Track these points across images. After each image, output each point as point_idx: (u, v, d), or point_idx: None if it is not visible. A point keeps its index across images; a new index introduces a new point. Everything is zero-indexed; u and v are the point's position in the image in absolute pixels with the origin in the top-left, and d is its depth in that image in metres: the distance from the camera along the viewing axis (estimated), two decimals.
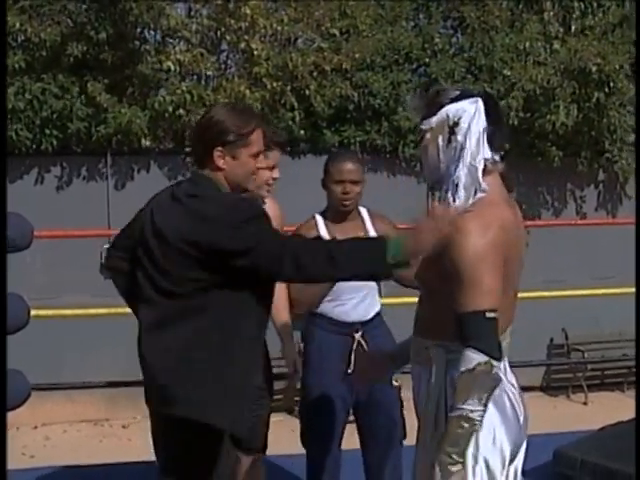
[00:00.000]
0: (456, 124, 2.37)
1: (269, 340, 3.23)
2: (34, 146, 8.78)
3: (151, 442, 2.79)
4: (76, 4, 8.84)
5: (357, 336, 3.68)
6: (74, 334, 8.19)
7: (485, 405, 2.26)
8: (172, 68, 8.73)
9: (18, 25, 8.35)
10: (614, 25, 10.05)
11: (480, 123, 2.37)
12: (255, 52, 8.82)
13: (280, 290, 3.34)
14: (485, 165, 2.37)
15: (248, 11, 8.69)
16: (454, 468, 2.27)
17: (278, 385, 4.24)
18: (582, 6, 10.19)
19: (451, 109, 2.38)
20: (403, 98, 9.57)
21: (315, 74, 9.11)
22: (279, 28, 8.99)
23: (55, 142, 8.81)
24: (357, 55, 9.21)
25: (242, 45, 8.92)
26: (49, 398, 7.89)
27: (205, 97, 8.74)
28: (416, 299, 2.57)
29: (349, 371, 3.66)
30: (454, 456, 2.26)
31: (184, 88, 8.70)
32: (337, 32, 9.38)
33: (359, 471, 3.85)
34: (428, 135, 2.42)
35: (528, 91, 9.49)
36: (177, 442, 2.65)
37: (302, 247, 2.50)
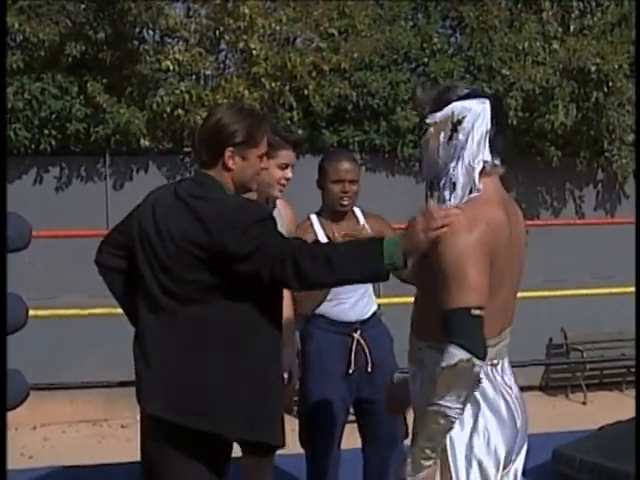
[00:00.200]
0: (459, 122, 2.36)
1: None
2: (33, 146, 8.79)
3: None
4: (75, 4, 8.85)
5: (356, 335, 3.68)
6: (73, 334, 8.19)
7: (463, 403, 2.22)
8: (171, 68, 8.73)
9: (17, 25, 8.36)
10: (613, 25, 10.05)
11: (484, 125, 2.35)
12: (254, 52, 8.82)
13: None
14: (484, 167, 2.37)
15: (247, 11, 8.69)
16: (426, 463, 2.24)
17: None
18: (581, 6, 10.21)
19: (457, 107, 2.37)
20: (402, 98, 9.57)
21: (314, 74, 9.11)
22: (278, 28, 8.99)
23: (54, 142, 8.81)
24: (356, 55, 9.21)
25: (241, 45, 8.92)
26: (48, 398, 7.89)
27: (204, 97, 8.74)
28: None
29: (350, 371, 3.66)
30: (427, 451, 2.24)
31: (183, 88, 8.71)
32: (336, 32, 9.38)
33: (359, 471, 3.85)
34: (431, 129, 2.41)
35: (527, 91, 9.49)
36: (176, 447, 2.63)
37: (303, 252, 2.48)
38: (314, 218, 3.70)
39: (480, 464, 2.32)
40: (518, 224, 2.45)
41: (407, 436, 3.71)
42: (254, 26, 8.81)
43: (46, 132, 8.75)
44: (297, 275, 2.44)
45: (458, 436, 2.32)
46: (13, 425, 7.66)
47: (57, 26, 8.60)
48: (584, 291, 7.75)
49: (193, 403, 2.57)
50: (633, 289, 5.80)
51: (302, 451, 3.80)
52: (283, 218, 3.51)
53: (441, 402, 2.21)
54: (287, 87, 9.02)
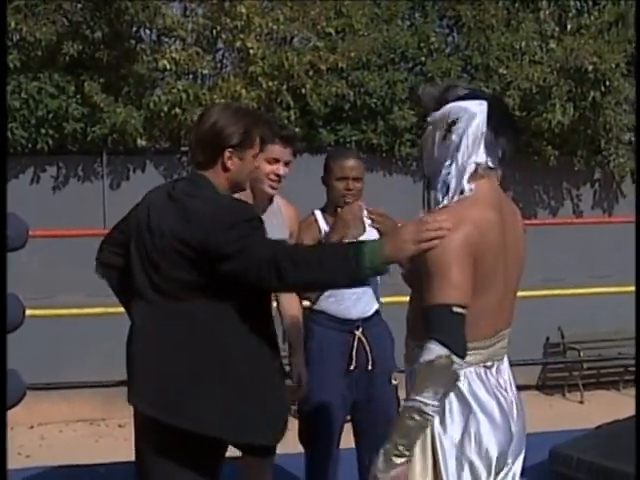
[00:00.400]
0: (454, 123, 2.35)
1: None
2: (30, 145, 8.79)
3: None
4: (71, 3, 8.84)
5: (357, 333, 3.68)
6: (70, 333, 8.17)
7: (440, 400, 2.21)
8: (168, 67, 8.73)
9: (13, 24, 8.36)
10: (610, 24, 10.06)
11: (480, 126, 2.34)
12: (251, 51, 8.82)
13: None
14: (477, 169, 2.36)
15: (244, 10, 8.69)
16: (398, 460, 2.23)
17: None
18: (578, 5, 10.23)
19: (454, 107, 2.36)
20: (399, 97, 9.58)
21: (311, 73, 9.11)
22: (275, 27, 8.99)
23: (51, 141, 8.81)
24: (353, 54, 9.21)
25: (238, 44, 8.92)
26: (45, 398, 7.88)
27: (201, 96, 8.74)
28: None
29: (351, 368, 3.66)
30: (400, 448, 2.23)
31: (180, 87, 8.71)
32: (333, 31, 9.39)
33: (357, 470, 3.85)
34: (430, 128, 2.42)
35: (524, 90, 9.50)
36: (168, 447, 2.63)
37: (286, 254, 2.49)
38: (318, 214, 3.73)
39: (471, 465, 2.30)
40: (516, 225, 2.44)
41: None
42: (251, 25, 8.81)
43: (43, 131, 8.74)
44: (278, 277, 2.44)
45: (449, 437, 2.31)
46: (10, 424, 7.62)
47: (54, 25, 8.59)
48: (581, 290, 7.77)
49: (178, 403, 2.57)
50: (630, 288, 5.81)
51: (302, 450, 3.80)
52: (284, 217, 3.51)
53: (417, 398, 2.19)
54: (284, 86, 9.02)
